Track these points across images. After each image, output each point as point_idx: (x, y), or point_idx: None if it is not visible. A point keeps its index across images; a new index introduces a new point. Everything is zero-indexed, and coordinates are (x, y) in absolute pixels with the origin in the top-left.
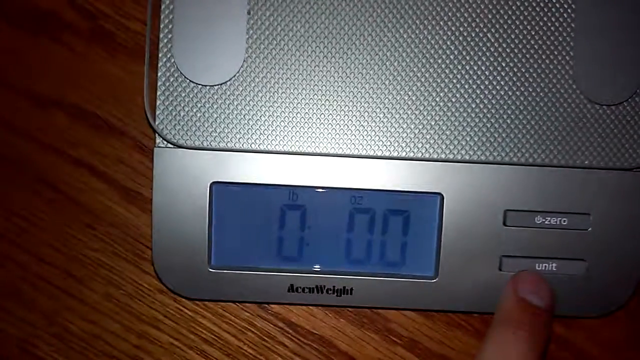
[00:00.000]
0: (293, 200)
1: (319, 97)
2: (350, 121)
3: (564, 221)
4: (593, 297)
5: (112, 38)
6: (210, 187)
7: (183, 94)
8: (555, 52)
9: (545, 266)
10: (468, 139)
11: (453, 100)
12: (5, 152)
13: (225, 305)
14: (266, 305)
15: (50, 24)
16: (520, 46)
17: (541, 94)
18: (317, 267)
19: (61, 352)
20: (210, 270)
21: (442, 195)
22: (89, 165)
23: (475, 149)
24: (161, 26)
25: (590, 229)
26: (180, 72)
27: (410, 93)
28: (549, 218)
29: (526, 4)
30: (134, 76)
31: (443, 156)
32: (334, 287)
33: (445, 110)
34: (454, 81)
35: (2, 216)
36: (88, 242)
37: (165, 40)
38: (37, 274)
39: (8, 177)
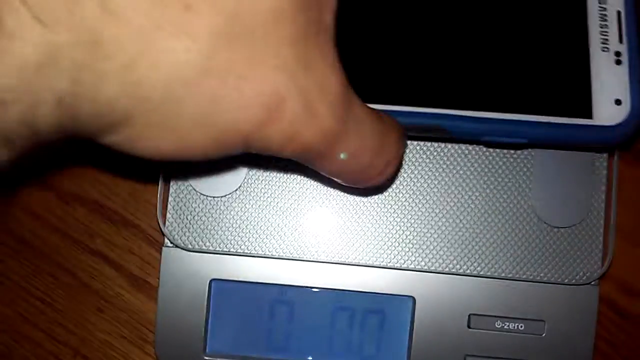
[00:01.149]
0: (282, 297)
1: (309, 210)
2: (335, 232)
3: (521, 326)
4: None
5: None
6: (209, 283)
7: (191, 203)
8: (517, 186)
9: None
10: (439, 252)
11: (425, 218)
12: (31, 240)
13: None
14: None
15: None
16: (485, 178)
17: (504, 218)
18: (302, 357)
19: None
20: (205, 357)
21: (414, 299)
22: (102, 254)
23: (445, 260)
24: None
25: (544, 334)
26: (191, 185)
27: (389, 212)
28: (507, 323)
29: (490, 158)
30: (148, 179)
31: (417, 266)
32: None
33: (418, 226)
34: (427, 204)
35: (23, 298)
36: (98, 324)
37: None
38: (50, 352)
39: (32, 262)
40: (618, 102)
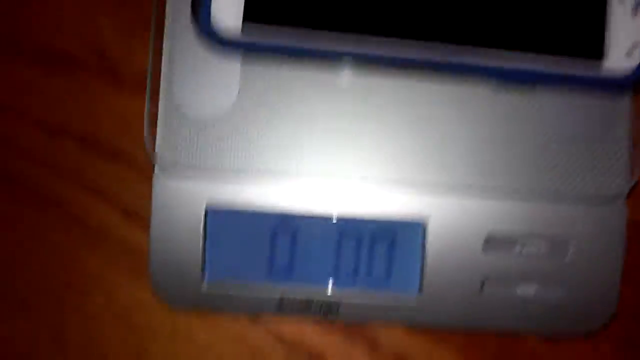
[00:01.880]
0: (284, 226)
1: (311, 121)
2: (338, 146)
3: (543, 248)
4: (570, 323)
5: (117, 73)
6: (205, 212)
7: (181, 124)
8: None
9: (525, 290)
10: (453, 166)
11: (439, 130)
12: (17, 177)
13: (217, 320)
14: (257, 319)
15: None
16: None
17: (518, 131)
18: (305, 285)
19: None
20: (204, 285)
21: (426, 221)
22: (93, 188)
23: (461, 176)
24: (162, 64)
25: (568, 257)
26: (180, 105)
27: (398, 123)
28: (528, 244)
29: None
30: (138, 107)
31: (430, 180)
32: (321, 304)
33: (432, 138)
34: (437, 102)
35: (11, 238)
36: (90, 260)
37: (166, 78)
38: (43, 288)
39: (18, 199)
40: (634, 45)
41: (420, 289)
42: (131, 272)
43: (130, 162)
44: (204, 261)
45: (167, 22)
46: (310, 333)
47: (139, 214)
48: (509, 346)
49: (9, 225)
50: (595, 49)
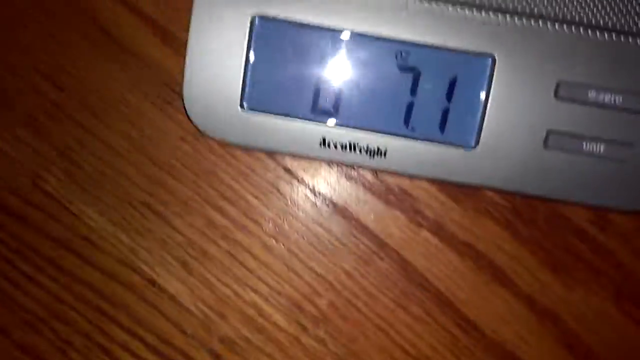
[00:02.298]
0: (336, 47)
1: None
2: None
3: (619, 100)
4: (636, 187)
5: None
6: (251, 20)
7: None
8: None
9: (593, 147)
10: None
11: None
12: None
13: (247, 163)
14: (292, 169)
15: None
16: None
17: None
18: (352, 123)
19: (69, 189)
20: (241, 111)
21: (494, 58)
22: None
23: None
24: None
25: None
26: None
27: None
28: (603, 94)
29: None
30: None
31: (500, 2)
32: (367, 146)
33: None
34: None
35: (25, 43)
36: (115, 77)
37: None
38: (53, 102)
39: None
40: None
41: (479, 137)
42: (158, 99)
43: None
44: (244, 82)
45: None
46: (347, 190)
47: (175, 34)
48: (556, 224)
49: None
50: None
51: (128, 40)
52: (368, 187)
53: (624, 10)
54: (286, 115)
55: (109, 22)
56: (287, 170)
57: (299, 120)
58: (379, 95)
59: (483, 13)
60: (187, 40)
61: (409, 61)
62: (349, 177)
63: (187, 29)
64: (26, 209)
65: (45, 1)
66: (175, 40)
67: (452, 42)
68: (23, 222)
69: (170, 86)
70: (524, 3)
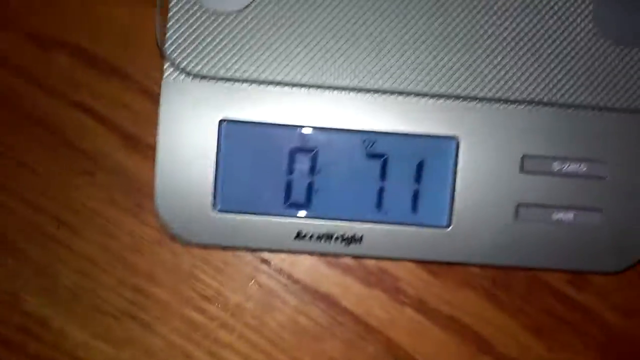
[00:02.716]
0: (304, 142)
1: (336, 27)
2: (367, 53)
3: (582, 168)
4: (610, 251)
5: None
6: (219, 124)
7: (195, 21)
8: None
9: (562, 215)
10: (486, 76)
11: (471, 33)
12: (4, 93)
13: (224, 259)
14: (269, 260)
15: None
16: None
17: (563, 31)
18: (326, 214)
19: (50, 306)
20: (215, 213)
21: (458, 139)
22: (90, 109)
23: (494, 86)
24: None
25: (608, 176)
26: None
27: (427, 23)
28: (567, 164)
29: None
30: (142, 17)
31: (460, 92)
32: (343, 235)
33: (462, 44)
34: (473, 12)
35: None
36: (85, 189)
37: None
38: (29, 222)
39: (6, 119)
40: None
41: (451, 217)
42: (131, 206)
43: (134, 80)
44: (215, 184)
45: None
46: (326, 275)
47: (141, 139)
48: (535, 288)
49: None
50: None
51: (97, 151)
52: (347, 271)
53: (579, 87)
54: (259, 213)
55: (76, 135)
56: (265, 262)
57: (272, 216)
58: (350, 183)
59: (445, 100)
60: (155, 146)
61: (376, 148)
62: (327, 263)
63: (154, 135)
64: (7, 331)
65: (13, 123)
66: (144, 146)
67: (417, 128)
68: (4, 345)
69: (143, 192)
70: (485, 90)
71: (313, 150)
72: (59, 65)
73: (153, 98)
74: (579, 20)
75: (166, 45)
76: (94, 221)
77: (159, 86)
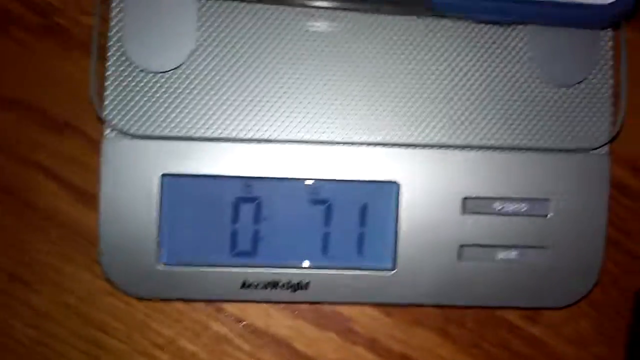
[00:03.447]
0: (246, 192)
1: (270, 82)
2: (303, 106)
3: (524, 207)
4: (556, 287)
5: (62, 32)
6: (160, 179)
7: (132, 81)
8: (513, 33)
9: (506, 255)
10: (423, 122)
11: (408, 81)
12: None
13: (177, 308)
14: (221, 306)
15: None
16: (477, 28)
17: (498, 74)
18: (271, 262)
19: None
20: (160, 267)
21: (398, 184)
22: (37, 164)
23: (431, 132)
24: (111, 14)
25: (550, 214)
26: (129, 59)
27: (363, 74)
28: (508, 204)
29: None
30: (85, 71)
31: (398, 140)
32: (289, 282)
33: (399, 92)
34: (409, 62)
35: None
36: (36, 244)
37: (115, 28)
38: None
39: None
40: None
41: (395, 259)
42: (84, 258)
43: (80, 134)
44: (159, 239)
45: None
46: (277, 319)
47: (92, 192)
48: (487, 323)
49: None
50: None
51: (48, 206)
52: (298, 314)
53: (516, 129)
54: (205, 264)
55: (27, 192)
56: (218, 309)
57: (218, 267)
58: (294, 230)
59: (385, 147)
60: (98, 203)
61: (319, 195)
62: (279, 307)
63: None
64: None
65: None
66: (90, 198)
67: (358, 175)
68: None
69: (93, 244)
70: (423, 136)
71: (256, 200)
72: (6, 122)
73: (99, 150)
74: (514, 62)
75: (105, 107)
76: (47, 275)
77: (102, 132)
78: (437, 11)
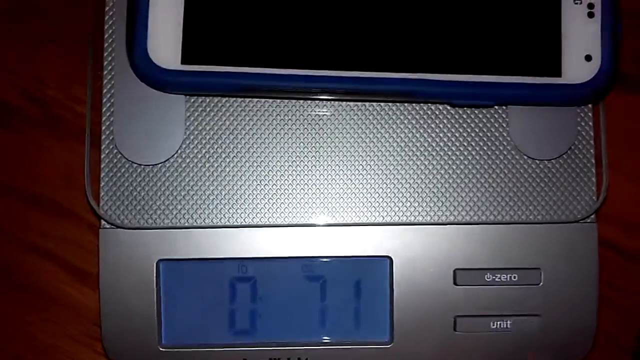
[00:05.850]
0: (242, 273)
1: (259, 170)
2: (294, 191)
3: (514, 277)
4: (552, 354)
5: (60, 122)
6: (157, 264)
7: (126, 175)
8: (492, 112)
9: (500, 324)
10: (412, 202)
11: (397, 164)
12: None
13: None
14: None
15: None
16: (460, 111)
17: (480, 152)
18: (269, 340)
19: None
20: (161, 349)
21: (391, 259)
22: (39, 248)
23: (421, 210)
24: (103, 109)
25: (541, 283)
26: (121, 153)
27: (352, 160)
28: (499, 275)
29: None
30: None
31: (389, 219)
32: (288, 359)
33: (388, 174)
34: (397, 147)
35: None
36: (40, 326)
37: (107, 123)
38: None
39: None
40: (588, 57)
41: (392, 333)
42: (85, 338)
43: (77, 217)
44: (159, 321)
45: (105, 71)
46: None
47: (91, 273)
48: None
49: None
50: (553, 64)
51: (49, 288)
52: None
53: (500, 203)
54: (204, 345)
55: (27, 274)
56: None
57: (217, 347)
58: (291, 307)
59: (376, 227)
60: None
61: (314, 272)
62: None
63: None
64: None
65: None
66: (94, 279)
67: (352, 252)
68: None
69: (96, 323)
70: (414, 214)
71: (252, 280)
72: (6, 208)
73: (97, 233)
74: (495, 140)
75: (100, 201)
76: (51, 356)
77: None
78: (421, 98)
